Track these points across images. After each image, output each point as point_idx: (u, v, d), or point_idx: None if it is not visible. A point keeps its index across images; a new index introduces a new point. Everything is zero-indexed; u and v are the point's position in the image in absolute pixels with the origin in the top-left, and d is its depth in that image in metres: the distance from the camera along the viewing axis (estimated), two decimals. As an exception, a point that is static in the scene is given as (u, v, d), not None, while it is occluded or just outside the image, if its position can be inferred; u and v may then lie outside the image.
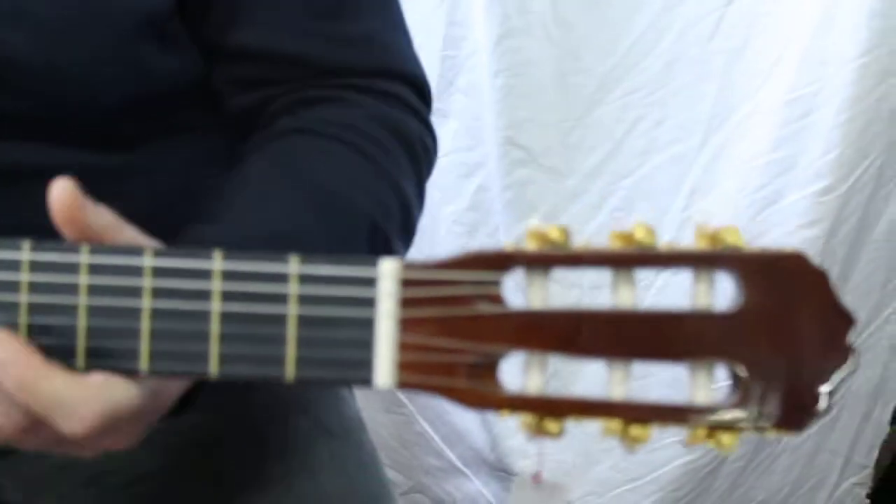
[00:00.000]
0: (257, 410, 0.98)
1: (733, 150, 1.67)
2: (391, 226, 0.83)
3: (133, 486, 0.94)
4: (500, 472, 1.79)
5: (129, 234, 0.64)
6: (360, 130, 0.85)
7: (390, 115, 0.88)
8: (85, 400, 0.60)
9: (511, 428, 1.74)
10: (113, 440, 0.65)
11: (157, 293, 0.59)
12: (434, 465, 1.86)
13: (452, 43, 1.68)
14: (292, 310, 0.57)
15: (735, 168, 1.67)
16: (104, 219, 0.63)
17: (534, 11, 1.62)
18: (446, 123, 1.69)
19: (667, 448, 1.73)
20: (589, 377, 1.45)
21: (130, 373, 0.60)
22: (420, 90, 0.92)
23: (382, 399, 1.85)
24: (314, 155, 0.84)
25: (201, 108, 0.93)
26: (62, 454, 0.68)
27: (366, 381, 0.56)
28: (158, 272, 0.59)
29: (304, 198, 0.81)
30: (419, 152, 0.89)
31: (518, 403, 0.56)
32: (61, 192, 0.61)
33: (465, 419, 1.82)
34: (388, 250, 0.82)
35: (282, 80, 0.88)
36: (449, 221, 1.74)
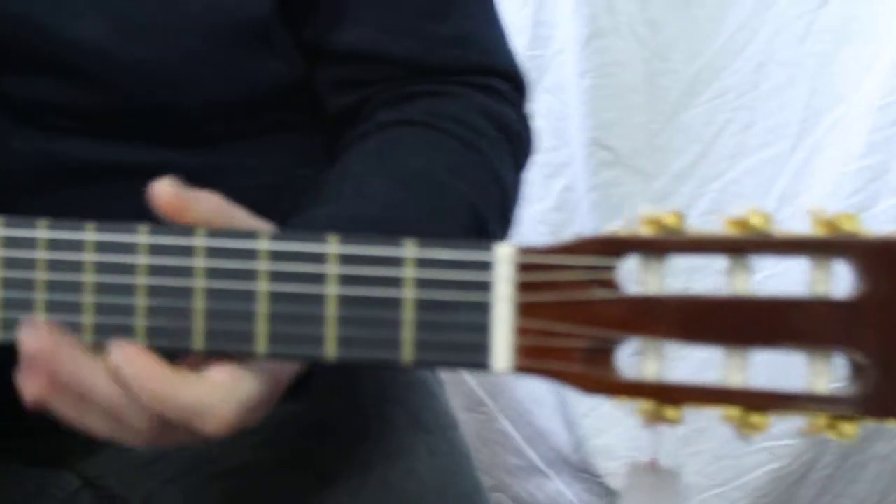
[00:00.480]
0: (355, 403, 0.98)
1: (825, 155, 1.66)
2: (491, 214, 0.84)
3: (227, 477, 0.95)
4: (584, 473, 1.78)
5: (240, 216, 0.65)
6: (461, 120, 0.86)
7: (491, 106, 0.88)
8: (221, 401, 0.62)
9: (596, 429, 1.73)
10: (245, 423, 0.66)
11: (274, 276, 0.59)
12: (515, 465, 1.85)
13: (538, 42, 1.68)
14: (409, 293, 0.57)
15: (826, 173, 1.65)
16: (211, 204, 0.64)
17: (622, 12, 1.62)
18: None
19: (754, 454, 1.72)
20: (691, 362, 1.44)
21: (248, 356, 0.60)
22: (517, 84, 0.93)
23: (463, 398, 1.85)
24: (415, 143, 0.85)
25: (297, 108, 0.94)
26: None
27: (483, 365, 0.56)
28: (274, 255, 0.59)
29: (403, 186, 0.81)
30: (518, 143, 0.90)
31: (635, 389, 0.55)
32: (164, 188, 0.62)
33: (548, 419, 1.81)
34: (487, 239, 0.83)
35: (381, 81, 0.89)
36: (534, 221, 1.74)
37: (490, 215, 0.84)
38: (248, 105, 0.90)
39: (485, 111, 0.88)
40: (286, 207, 0.93)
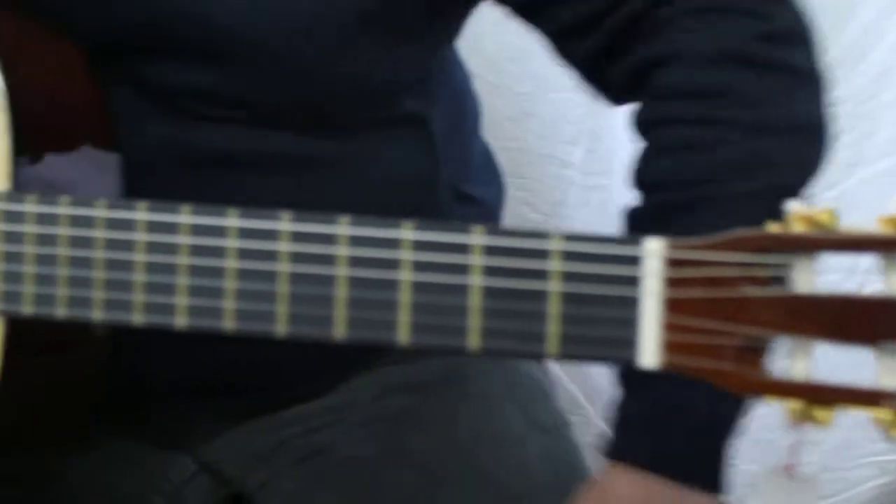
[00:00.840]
0: (472, 401, 0.98)
1: (947, 169, 1.62)
2: (783, 173, 0.80)
3: (344, 467, 0.96)
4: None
5: None
6: (703, 93, 0.80)
7: (722, 45, 0.81)
8: None
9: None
10: None
11: (417, 266, 0.59)
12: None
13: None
14: (555, 286, 0.57)
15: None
16: None
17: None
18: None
19: (862, 468, 1.69)
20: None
21: (389, 345, 0.60)
22: None
23: (562, 400, 1.84)
24: (677, 162, 0.81)
25: (423, 99, 0.94)
26: None
27: (629, 360, 0.56)
28: (418, 245, 0.59)
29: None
30: (768, 57, 0.81)
31: (785, 389, 0.54)
32: None
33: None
34: (778, 190, 0.75)
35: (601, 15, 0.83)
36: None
37: (782, 177, 0.80)
38: (380, 94, 0.90)
39: (719, 57, 0.80)
40: (415, 198, 0.93)
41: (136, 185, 0.80)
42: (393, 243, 0.60)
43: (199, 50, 0.84)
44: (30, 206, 0.69)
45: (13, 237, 0.69)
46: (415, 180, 0.95)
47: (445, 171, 0.98)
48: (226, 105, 0.86)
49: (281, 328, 0.62)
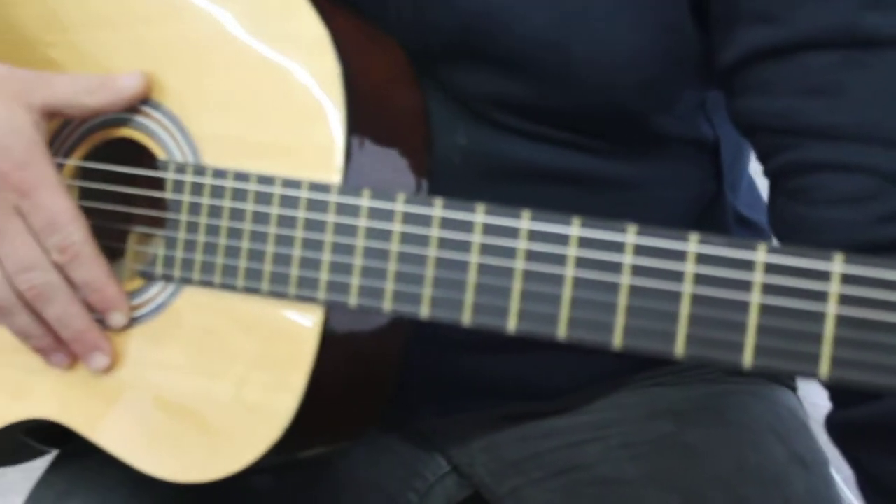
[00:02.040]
0: (735, 431, 0.97)
1: None
2: None
3: (602, 486, 0.96)
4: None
5: None
6: None
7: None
8: None
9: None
10: None
11: (768, 289, 0.58)
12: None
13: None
14: (832, 309, 0.56)
15: None
16: None
17: None
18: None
19: None
20: None
21: (731, 365, 0.60)
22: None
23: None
24: None
25: (716, 124, 0.94)
26: None
27: None
28: (770, 269, 0.59)
29: None
30: None
31: None
32: None
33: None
34: None
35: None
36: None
37: None
38: (682, 112, 0.90)
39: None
40: (702, 221, 0.93)
41: (435, 191, 0.81)
42: (745, 265, 0.59)
43: (502, 59, 0.84)
44: (365, 201, 0.70)
45: (344, 230, 0.71)
46: (702, 203, 0.95)
47: (729, 195, 0.97)
48: (527, 114, 0.86)
49: (618, 344, 0.62)
